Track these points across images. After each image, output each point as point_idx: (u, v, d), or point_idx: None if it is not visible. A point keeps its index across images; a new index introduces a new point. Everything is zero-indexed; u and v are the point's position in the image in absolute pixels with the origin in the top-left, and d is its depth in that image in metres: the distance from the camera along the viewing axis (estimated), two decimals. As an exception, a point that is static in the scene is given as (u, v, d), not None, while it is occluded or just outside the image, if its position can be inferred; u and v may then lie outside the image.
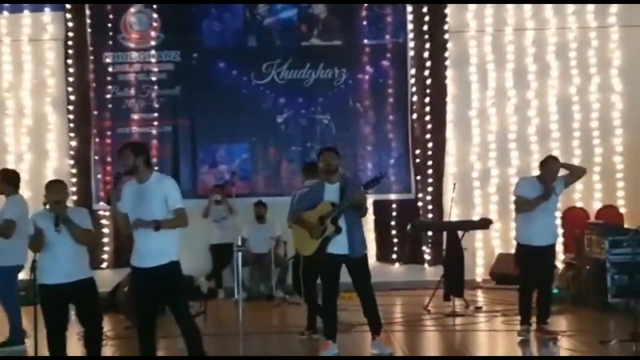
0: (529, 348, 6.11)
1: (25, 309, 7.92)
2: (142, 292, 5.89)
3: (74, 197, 10.96)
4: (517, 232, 7.68)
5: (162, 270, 5.74)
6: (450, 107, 11.40)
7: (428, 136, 11.31)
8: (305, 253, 6.99)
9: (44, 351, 6.18)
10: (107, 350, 7.17)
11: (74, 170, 11.10)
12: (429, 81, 11.34)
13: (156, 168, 10.77)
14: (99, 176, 11.26)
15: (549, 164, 7.40)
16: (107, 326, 7.37)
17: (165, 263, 5.75)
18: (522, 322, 7.39)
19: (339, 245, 6.74)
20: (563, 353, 6.21)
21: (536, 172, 10.85)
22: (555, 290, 9.43)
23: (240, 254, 6.79)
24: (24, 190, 10.82)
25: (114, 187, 6.16)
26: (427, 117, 11.32)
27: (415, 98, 11.39)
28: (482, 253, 11.15)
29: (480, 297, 10.03)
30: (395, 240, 11.22)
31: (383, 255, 11.21)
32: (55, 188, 6.11)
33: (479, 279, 11.10)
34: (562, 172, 7.45)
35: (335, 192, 6.80)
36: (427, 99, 11.33)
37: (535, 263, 7.35)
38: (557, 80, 11.49)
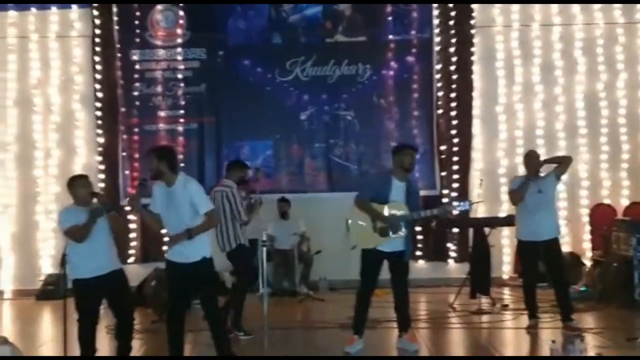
0: (557, 346, 6.06)
1: (55, 302, 8.06)
2: (175, 285, 6.03)
3: (102, 194, 11.07)
4: (517, 229, 7.86)
5: (197, 267, 5.92)
6: (476, 103, 11.34)
7: (454, 132, 11.25)
8: (364, 246, 6.87)
9: (73, 347, 6.26)
10: (135, 343, 7.23)
11: (101, 167, 11.20)
12: (455, 76, 11.29)
13: (182, 164, 11.13)
14: (127, 172, 11.36)
15: (526, 157, 7.80)
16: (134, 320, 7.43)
17: (198, 260, 5.94)
18: (529, 317, 7.69)
19: (392, 244, 6.78)
20: (590, 351, 6.15)
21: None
22: (582, 288, 9.43)
23: (264, 249, 6.83)
24: (54, 186, 11.10)
25: (137, 194, 6.28)
26: (453, 113, 11.27)
27: (440, 93, 11.34)
28: (508, 250, 11.07)
29: (507, 294, 9.96)
30: (420, 237, 11.19)
31: (408, 252, 11.17)
32: (85, 181, 6.21)
33: (505, 276, 11.04)
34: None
35: (402, 191, 6.86)
36: (453, 94, 11.28)
37: (536, 259, 7.59)
38: (584, 76, 11.39)
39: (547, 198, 7.58)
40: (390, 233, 6.76)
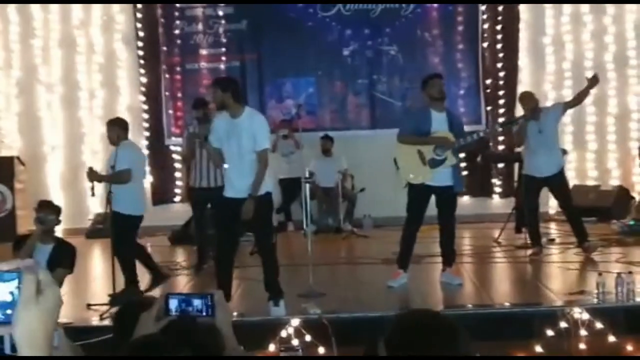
0: (603, 280, 5.99)
1: (104, 240, 8.23)
2: (227, 222, 6.02)
3: (146, 133, 11.17)
4: (524, 164, 8.14)
5: (258, 201, 5.88)
6: (523, 35, 11.07)
7: (499, 65, 11.03)
8: (414, 181, 6.78)
9: (120, 283, 6.44)
10: (182, 279, 7.38)
11: (145, 107, 11.27)
12: (500, 8, 11.01)
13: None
14: (170, 112, 11.41)
15: (520, 99, 8.12)
16: (180, 257, 7.58)
17: (261, 194, 5.91)
18: (532, 245, 7.99)
19: (440, 178, 6.68)
20: (638, 284, 6.06)
21: (613, 100, 10.65)
22: (631, 222, 9.28)
23: (308, 186, 6.83)
24: (99, 127, 11.21)
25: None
26: (499, 46, 11.02)
27: (486, 26, 11.08)
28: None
29: (554, 229, 9.85)
30: (465, 172, 11.06)
31: (452, 188, 11.09)
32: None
33: (552, 211, 10.88)
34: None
35: (443, 120, 6.71)
36: (498, 27, 11.01)
37: (535, 192, 7.90)
38: (635, 5, 10.99)
39: (546, 137, 7.73)
40: (448, 163, 6.65)
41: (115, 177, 6.70)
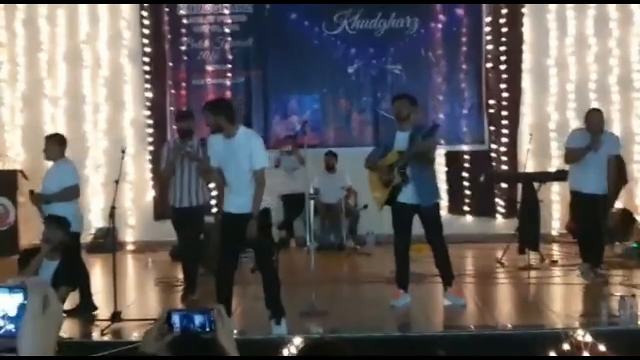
0: (606, 303, 5.97)
1: (105, 255, 8.21)
2: (228, 238, 6.03)
3: (150, 148, 11.19)
4: (570, 180, 7.89)
5: (252, 217, 5.88)
6: (526, 56, 11.10)
7: (503, 86, 11.05)
8: (377, 202, 6.97)
9: (122, 300, 6.39)
10: (178, 295, 7.34)
11: (149, 121, 11.29)
12: (504, 29, 11.04)
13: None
14: (175, 127, 11.40)
15: (589, 116, 7.70)
16: (181, 273, 7.54)
17: (260, 211, 5.92)
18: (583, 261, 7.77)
19: (408, 195, 6.70)
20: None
21: (617, 123, 10.65)
22: (634, 244, 9.25)
23: (312, 202, 6.83)
24: (102, 141, 11.25)
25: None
26: (503, 67, 11.05)
27: (490, 47, 11.12)
28: (558, 206, 10.89)
29: (556, 251, 9.82)
30: (468, 192, 11.09)
31: (455, 207, 11.10)
32: None
33: (555, 232, 10.89)
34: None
35: (404, 140, 6.73)
36: (502, 48, 11.05)
37: (587, 210, 7.63)
38: (640, 28, 11.04)
39: (602, 157, 7.56)
40: (393, 182, 6.68)
41: (66, 194, 6.63)
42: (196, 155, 6.98)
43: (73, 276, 6.04)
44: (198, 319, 2.35)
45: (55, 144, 6.83)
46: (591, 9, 11.01)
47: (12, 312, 1.69)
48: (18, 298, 1.68)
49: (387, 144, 6.90)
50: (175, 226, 7.42)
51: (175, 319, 2.36)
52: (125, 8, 11.38)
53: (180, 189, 7.14)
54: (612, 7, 11.00)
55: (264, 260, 6.15)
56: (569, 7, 11.02)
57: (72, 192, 6.65)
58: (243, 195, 5.90)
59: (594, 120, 7.64)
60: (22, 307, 1.66)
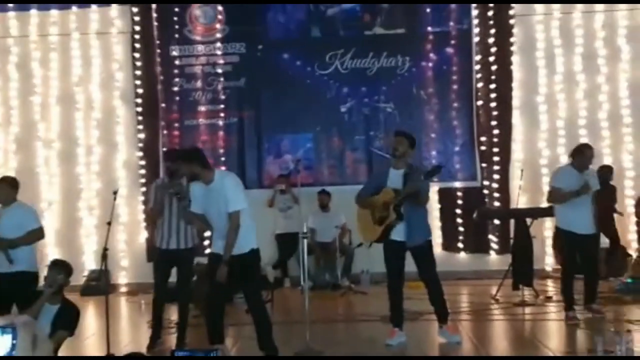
0: (601, 339, 5.95)
1: (99, 298, 8.16)
2: (214, 277, 5.98)
3: (143, 189, 11.19)
4: (558, 218, 7.81)
5: (244, 258, 5.92)
6: (516, 93, 11.21)
7: (494, 123, 11.14)
8: (368, 239, 6.95)
9: (116, 341, 6.33)
10: (173, 337, 7.27)
11: (142, 162, 11.31)
12: (494, 67, 11.16)
13: (222, 159, 11.19)
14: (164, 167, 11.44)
15: (585, 152, 7.63)
16: (175, 314, 7.50)
17: (246, 252, 5.94)
18: (567, 308, 7.59)
19: (400, 233, 6.70)
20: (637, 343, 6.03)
21: (608, 158, 10.69)
22: (629, 280, 9.25)
23: (305, 241, 6.82)
24: (95, 183, 11.25)
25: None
26: (493, 104, 11.15)
27: (480, 85, 11.23)
28: (551, 242, 10.90)
29: (550, 286, 9.81)
30: (461, 229, 11.10)
31: (449, 244, 11.10)
32: None
33: (548, 268, 10.88)
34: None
35: (398, 178, 6.72)
36: (492, 85, 11.16)
37: (576, 250, 7.59)
38: (628, 64, 11.19)
39: (588, 195, 7.54)
40: (387, 221, 6.66)
41: (31, 238, 6.56)
42: (184, 194, 6.93)
43: (72, 321, 5.99)
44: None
45: (9, 187, 6.71)
46: (579, 46, 11.16)
47: (2, 352, 1.69)
48: (8, 338, 1.68)
49: (380, 181, 6.86)
50: (155, 267, 7.20)
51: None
52: (118, 50, 11.48)
53: (169, 231, 6.92)
54: (599, 44, 11.15)
55: (253, 301, 6.12)
56: (557, 45, 11.16)
57: (38, 235, 6.59)
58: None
59: (590, 155, 7.63)
60: (12, 347, 1.67)
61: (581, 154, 7.66)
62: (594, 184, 7.56)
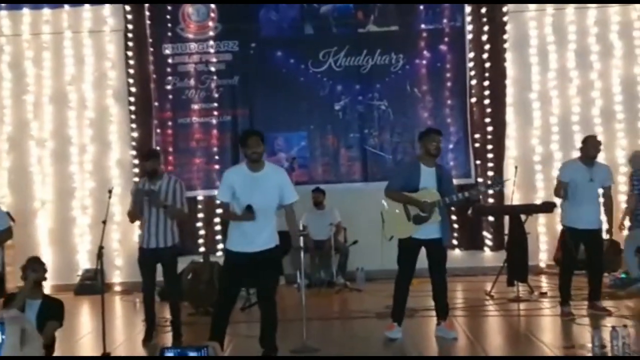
0: (597, 333, 5.97)
1: (93, 297, 8.13)
2: (235, 275, 6.05)
3: (137, 187, 11.15)
4: (563, 215, 7.84)
5: (269, 253, 5.98)
6: (510, 90, 11.23)
7: (487, 120, 11.16)
8: (400, 236, 6.84)
9: (111, 340, 6.32)
10: (169, 336, 7.26)
11: (135, 161, 11.28)
12: (487, 64, 11.19)
13: (216, 157, 11.18)
14: (162, 167, 11.39)
15: (589, 141, 7.69)
16: (168, 313, 7.48)
17: (272, 247, 6.02)
18: (563, 303, 7.64)
19: (427, 231, 6.72)
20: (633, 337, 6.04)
21: (601, 154, 10.71)
22: (622, 275, 9.31)
23: (301, 239, 6.82)
24: (89, 182, 11.22)
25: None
26: (487, 101, 11.17)
27: (473, 82, 11.25)
28: (545, 238, 10.95)
29: (545, 282, 9.85)
30: (456, 225, 11.11)
31: (443, 241, 11.11)
32: None
33: (542, 264, 10.91)
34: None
35: (432, 176, 6.76)
36: (486, 83, 11.19)
37: (579, 246, 7.64)
38: (621, 61, 11.22)
39: (594, 191, 7.64)
40: (431, 220, 6.68)
41: (2, 237, 6.47)
42: (158, 201, 6.90)
43: (59, 312, 5.98)
44: (192, 354, 2.35)
45: None
46: (572, 43, 11.19)
47: None
48: None
49: (412, 177, 6.79)
50: (140, 267, 7.19)
51: (170, 356, 2.35)
52: (110, 48, 11.43)
53: (148, 230, 7.00)
54: (592, 41, 11.18)
55: (269, 295, 6.07)
56: (550, 42, 11.19)
57: (7, 236, 6.56)
58: (262, 232, 5.99)
59: (592, 145, 7.65)
60: (1, 342, 1.66)
61: (584, 145, 7.72)
62: (601, 179, 7.61)
